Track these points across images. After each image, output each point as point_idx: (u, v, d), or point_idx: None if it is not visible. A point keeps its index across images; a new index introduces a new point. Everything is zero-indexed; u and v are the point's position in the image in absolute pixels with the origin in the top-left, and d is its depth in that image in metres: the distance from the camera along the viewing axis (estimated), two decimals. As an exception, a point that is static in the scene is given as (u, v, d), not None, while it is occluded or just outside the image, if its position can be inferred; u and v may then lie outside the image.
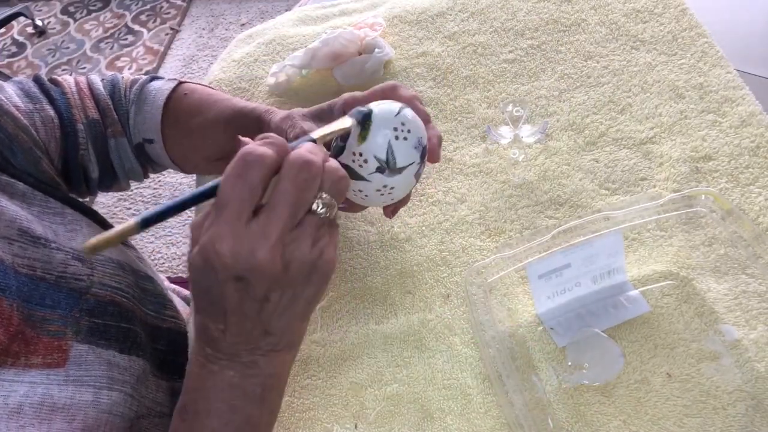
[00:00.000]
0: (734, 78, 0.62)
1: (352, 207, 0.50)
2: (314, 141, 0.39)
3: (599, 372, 0.47)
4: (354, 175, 0.44)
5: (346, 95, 0.50)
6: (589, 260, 0.49)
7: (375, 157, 0.43)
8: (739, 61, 0.68)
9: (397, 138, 0.43)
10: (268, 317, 0.36)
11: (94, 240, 0.33)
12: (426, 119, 0.48)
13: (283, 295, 0.36)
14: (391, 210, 0.51)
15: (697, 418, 0.44)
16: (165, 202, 0.34)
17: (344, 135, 0.44)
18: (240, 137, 0.38)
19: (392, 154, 0.43)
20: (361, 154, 0.43)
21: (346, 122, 0.42)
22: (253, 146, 0.34)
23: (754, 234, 0.49)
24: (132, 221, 0.33)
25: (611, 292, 0.51)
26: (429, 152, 0.47)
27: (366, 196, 0.46)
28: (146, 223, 0.34)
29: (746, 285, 0.49)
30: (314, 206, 0.35)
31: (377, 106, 0.44)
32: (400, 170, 0.44)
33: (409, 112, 0.45)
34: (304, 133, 0.47)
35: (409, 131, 0.44)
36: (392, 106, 0.45)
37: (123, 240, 0.33)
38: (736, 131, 0.59)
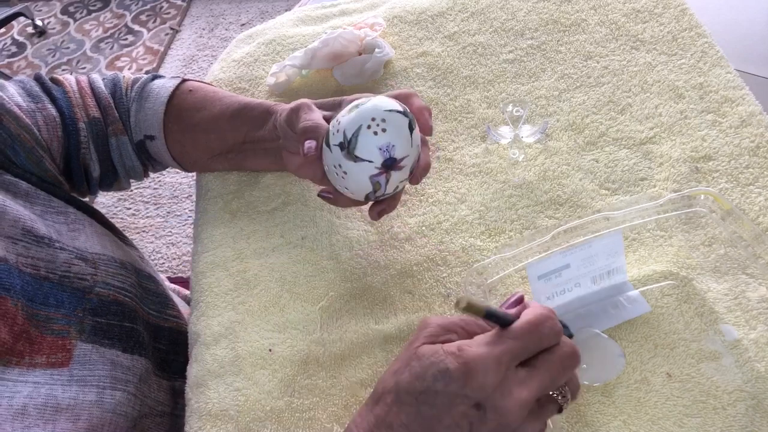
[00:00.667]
0: (734, 78, 0.62)
1: (337, 200, 0.52)
2: (512, 321, 0.38)
3: (599, 372, 0.47)
4: (326, 140, 0.46)
5: (358, 95, 0.50)
6: (589, 260, 0.49)
7: (344, 132, 0.44)
8: (739, 61, 0.68)
9: (369, 127, 0.44)
10: None
11: (468, 300, 0.34)
12: (424, 136, 0.49)
13: None
14: (376, 212, 0.51)
15: (697, 418, 0.44)
16: (501, 310, 0.37)
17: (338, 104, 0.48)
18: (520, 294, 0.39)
19: (355, 139, 0.44)
20: (339, 122, 0.45)
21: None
22: (554, 318, 0.36)
23: (754, 234, 0.49)
24: (483, 306, 0.35)
25: (611, 293, 0.51)
26: (414, 171, 0.48)
27: (326, 166, 0.48)
28: (489, 315, 0.35)
29: (746, 285, 0.49)
30: (557, 393, 0.36)
31: (384, 98, 0.45)
32: (355, 159, 0.45)
33: (402, 122, 0.45)
34: (316, 122, 0.48)
35: (384, 130, 0.44)
36: (393, 104, 0.45)
37: (471, 315, 0.35)
38: (736, 131, 0.59)
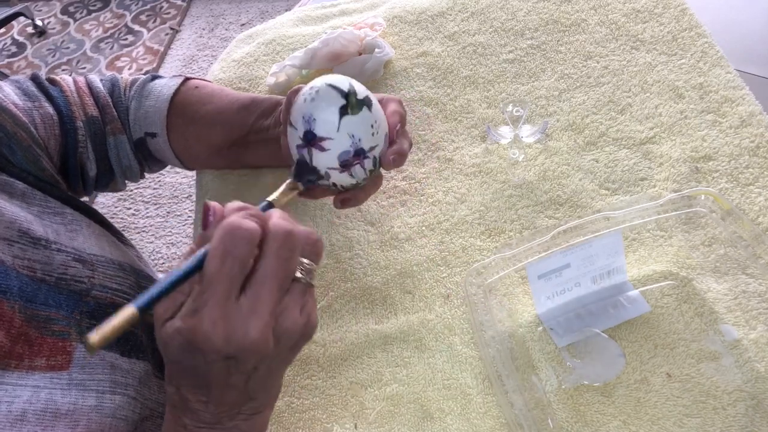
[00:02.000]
0: (734, 78, 0.62)
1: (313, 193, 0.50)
2: (272, 204, 0.41)
3: (599, 372, 0.47)
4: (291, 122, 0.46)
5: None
6: (589, 260, 0.49)
7: (305, 118, 0.44)
8: (739, 61, 0.68)
9: (303, 94, 0.44)
10: (254, 386, 0.36)
11: (96, 337, 0.31)
12: (397, 125, 0.47)
13: (271, 364, 0.35)
14: (339, 200, 0.49)
15: (697, 418, 0.44)
16: (154, 286, 0.33)
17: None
18: (207, 202, 0.37)
19: (292, 102, 0.45)
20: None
21: (288, 182, 0.44)
22: (238, 220, 0.33)
23: (754, 234, 0.49)
24: (129, 310, 0.32)
25: (611, 292, 0.51)
26: (384, 155, 0.46)
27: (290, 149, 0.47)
28: (143, 309, 0.32)
29: (746, 285, 0.49)
30: (297, 274, 0.35)
31: (341, 76, 0.44)
32: (289, 123, 0.45)
33: (332, 97, 0.43)
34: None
35: (312, 100, 0.43)
36: (340, 82, 0.44)
37: (122, 329, 0.32)
38: (736, 131, 0.59)
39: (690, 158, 0.58)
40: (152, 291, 0.33)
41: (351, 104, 0.43)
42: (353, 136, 0.44)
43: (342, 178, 0.46)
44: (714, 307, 0.49)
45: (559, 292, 0.50)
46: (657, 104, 0.62)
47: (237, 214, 0.34)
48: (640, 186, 0.57)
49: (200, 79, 0.64)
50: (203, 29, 2.36)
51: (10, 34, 2.54)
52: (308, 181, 0.45)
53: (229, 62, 0.76)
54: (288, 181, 0.44)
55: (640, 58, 0.66)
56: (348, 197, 0.49)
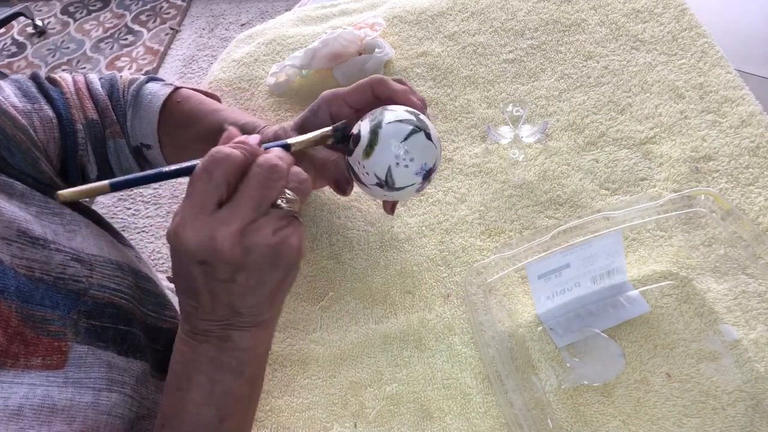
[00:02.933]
0: (734, 78, 0.62)
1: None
2: (289, 146, 0.42)
3: (599, 372, 0.47)
4: (358, 179, 0.46)
5: (326, 93, 0.51)
6: (589, 260, 0.49)
7: (375, 174, 0.44)
8: (739, 61, 0.68)
9: (398, 165, 0.44)
10: (237, 297, 0.38)
11: (68, 191, 0.37)
12: (421, 108, 0.48)
13: (249, 277, 0.38)
14: (390, 206, 0.52)
15: (697, 419, 0.44)
16: (136, 173, 0.38)
17: (356, 138, 0.45)
18: (227, 126, 0.41)
19: (391, 177, 0.44)
20: (364, 167, 0.44)
21: (324, 130, 0.45)
22: (226, 147, 0.37)
23: (754, 234, 0.49)
24: (104, 182, 0.37)
25: (611, 293, 0.51)
26: None
27: (370, 196, 0.49)
28: (115, 186, 0.37)
29: (746, 285, 0.49)
30: (278, 201, 0.38)
31: (388, 123, 0.44)
32: (399, 189, 0.45)
33: (420, 138, 0.44)
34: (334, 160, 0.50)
35: (412, 159, 0.44)
36: (402, 127, 0.44)
37: (92, 195, 0.38)
38: (736, 131, 0.59)
39: (690, 158, 0.58)
40: (131, 175, 0.38)
41: (423, 128, 0.45)
42: (437, 138, 0.46)
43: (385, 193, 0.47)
44: (714, 307, 0.49)
45: (559, 292, 0.50)
46: (657, 104, 0.62)
47: (228, 144, 0.38)
48: (640, 186, 0.57)
49: (188, 88, 0.63)
50: (203, 29, 2.36)
51: (10, 34, 2.54)
52: (340, 140, 0.46)
53: (229, 62, 0.76)
54: (324, 129, 0.45)
55: (640, 58, 0.66)
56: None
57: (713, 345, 0.47)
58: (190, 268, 0.37)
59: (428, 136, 0.45)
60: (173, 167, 0.38)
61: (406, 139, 0.44)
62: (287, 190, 0.38)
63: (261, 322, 0.41)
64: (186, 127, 0.60)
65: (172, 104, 0.61)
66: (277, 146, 0.41)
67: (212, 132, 0.58)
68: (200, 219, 0.36)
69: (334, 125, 0.45)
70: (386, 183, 0.44)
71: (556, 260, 0.49)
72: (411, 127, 0.44)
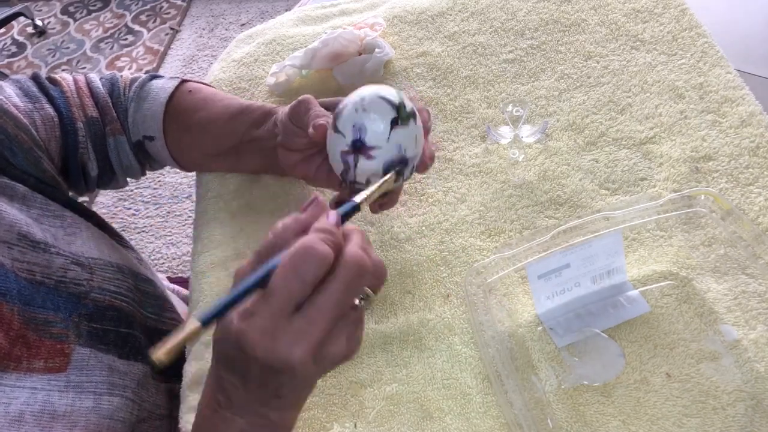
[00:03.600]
0: (734, 78, 0.62)
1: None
2: (359, 206, 0.39)
3: (599, 372, 0.47)
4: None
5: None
6: (589, 260, 0.49)
7: (339, 107, 0.46)
8: (739, 61, 0.68)
9: (354, 105, 0.45)
10: (287, 391, 0.36)
11: (161, 352, 0.31)
12: (425, 129, 0.49)
13: (306, 378, 0.35)
14: (377, 204, 0.50)
15: (697, 419, 0.44)
16: (219, 299, 0.33)
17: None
18: (315, 194, 0.38)
19: (340, 112, 0.46)
20: (342, 101, 0.47)
21: (389, 177, 0.44)
22: (315, 241, 0.33)
23: (754, 234, 0.49)
24: (193, 323, 0.32)
25: (611, 293, 0.51)
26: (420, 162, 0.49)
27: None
28: (207, 322, 0.33)
29: (746, 285, 0.49)
30: (355, 300, 0.35)
31: (390, 89, 0.46)
32: (335, 129, 0.46)
33: (384, 109, 0.45)
34: (319, 117, 0.49)
35: (364, 110, 0.45)
36: (390, 94, 0.45)
37: (188, 342, 0.32)
38: (736, 131, 0.59)
39: (690, 158, 0.58)
40: (217, 304, 0.33)
41: (401, 116, 0.45)
42: (400, 146, 0.45)
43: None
44: (714, 307, 0.49)
45: (558, 292, 0.50)
46: (657, 104, 0.62)
47: (316, 235, 0.34)
48: (640, 186, 0.57)
49: (196, 81, 0.63)
50: (203, 29, 2.36)
51: (10, 34, 2.54)
52: (408, 175, 0.47)
53: (229, 62, 0.76)
54: (388, 176, 0.44)
55: (640, 58, 0.66)
56: (385, 202, 0.50)
57: (713, 345, 0.47)
58: (250, 366, 0.34)
59: (392, 123, 0.45)
60: (251, 280, 0.33)
61: (380, 98, 0.45)
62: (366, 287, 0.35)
63: (299, 404, 0.39)
64: (198, 110, 0.60)
65: (182, 94, 0.61)
66: (348, 210, 0.37)
67: (228, 111, 0.59)
68: (277, 326, 0.32)
69: (395, 169, 0.45)
70: (335, 117, 0.46)
71: (556, 260, 0.49)
72: (391, 100, 0.46)
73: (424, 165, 0.49)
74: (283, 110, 0.54)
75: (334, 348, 0.34)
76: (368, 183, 0.46)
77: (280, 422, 0.38)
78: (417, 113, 0.47)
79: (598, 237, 0.49)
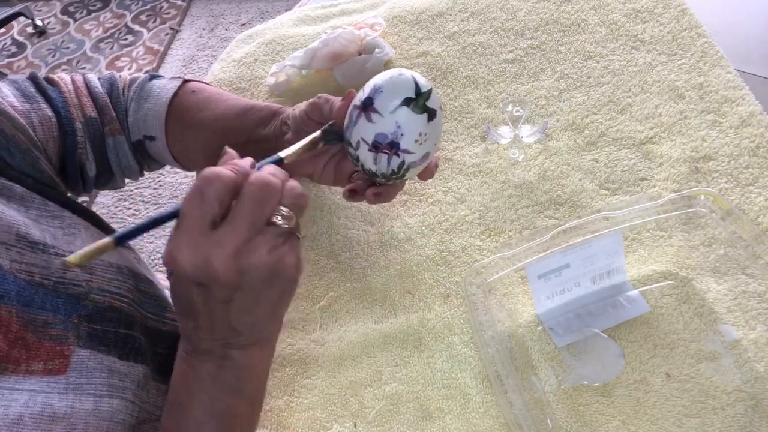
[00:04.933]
0: (734, 78, 0.62)
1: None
2: (282, 160, 0.42)
3: (599, 372, 0.47)
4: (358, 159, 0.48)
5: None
6: (589, 260, 0.49)
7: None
8: (739, 61, 0.68)
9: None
10: (235, 317, 0.38)
11: (72, 256, 0.37)
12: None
13: (246, 297, 0.38)
14: (372, 193, 0.50)
15: (697, 419, 0.44)
16: (136, 222, 0.38)
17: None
18: (226, 147, 0.41)
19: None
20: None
21: (314, 135, 0.46)
22: (216, 168, 0.37)
23: (753, 234, 0.49)
24: (108, 239, 0.37)
25: (611, 293, 0.51)
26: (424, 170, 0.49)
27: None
28: (120, 240, 0.38)
29: (746, 285, 0.49)
30: (274, 219, 0.38)
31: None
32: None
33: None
34: (332, 106, 0.50)
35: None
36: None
37: (99, 254, 0.37)
38: (736, 131, 0.59)
39: (690, 158, 0.58)
40: (130, 227, 0.38)
41: (417, 103, 0.45)
42: (399, 127, 0.45)
43: (365, 157, 0.47)
44: (714, 307, 0.49)
45: (558, 292, 0.50)
46: (657, 104, 0.62)
47: (221, 164, 0.38)
48: (640, 186, 0.57)
49: (199, 81, 0.63)
50: (203, 29, 2.36)
51: (10, 34, 2.54)
52: (331, 140, 0.47)
53: (229, 62, 0.76)
54: (313, 135, 0.46)
55: (640, 58, 0.66)
56: (380, 191, 0.50)
57: (713, 345, 0.47)
58: (187, 289, 0.37)
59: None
60: (166, 210, 0.39)
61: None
62: (282, 207, 0.38)
63: (260, 339, 0.41)
64: (203, 109, 0.60)
65: (185, 93, 0.61)
66: (270, 162, 0.41)
67: (235, 109, 0.59)
68: (195, 241, 0.36)
69: (323, 128, 0.46)
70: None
71: (556, 260, 0.49)
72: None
73: (428, 172, 0.49)
74: (293, 109, 0.54)
75: (254, 257, 0.36)
76: (356, 146, 0.46)
77: (245, 362, 0.41)
78: (436, 118, 0.46)
79: (598, 237, 0.49)
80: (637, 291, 0.51)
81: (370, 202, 0.51)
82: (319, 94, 0.52)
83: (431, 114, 0.45)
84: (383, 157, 0.46)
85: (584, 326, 0.50)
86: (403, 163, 0.46)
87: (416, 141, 0.46)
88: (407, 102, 0.44)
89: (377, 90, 0.45)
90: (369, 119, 0.45)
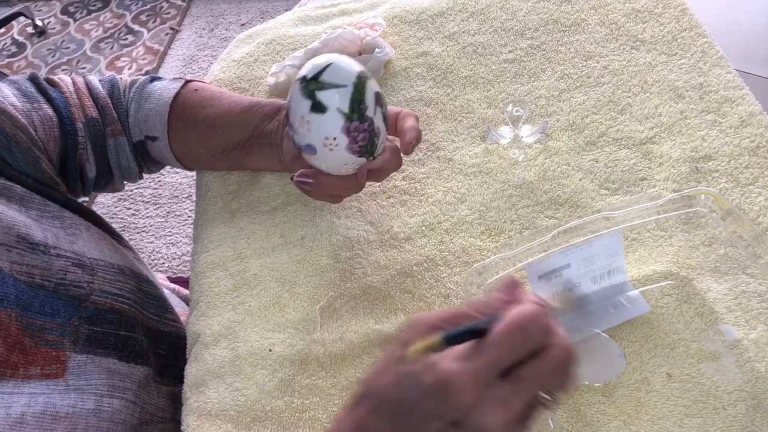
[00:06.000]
0: (734, 78, 0.62)
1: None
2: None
3: (599, 372, 0.47)
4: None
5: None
6: (589, 260, 0.49)
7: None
8: (739, 61, 0.68)
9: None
10: None
11: (413, 350, 0.31)
12: (413, 141, 0.50)
13: None
14: (365, 169, 0.50)
15: (698, 418, 0.44)
16: (466, 325, 0.32)
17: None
18: (513, 278, 0.36)
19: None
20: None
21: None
22: (543, 311, 0.32)
23: (754, 234, 0.49)
24: (436, 337, 0.32)
25: (611, 293, 0.51)
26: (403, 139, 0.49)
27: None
28: (449, 341, 0.32)
29: (746, 285, 0.49)
30: (546, 395, 0.33)
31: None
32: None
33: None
34: None
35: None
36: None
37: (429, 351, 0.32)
38: (736, 131, 0.59)
39: (690, 158, 0.58)
40: (462, 329, 0.32)
41: (306, 85, 0.44)
42: (291, 99, 0.45)
43: None
44: (714, 307, 0.49)
45: (559, 292, 0.50)
46: (657, 104, 0.62)
47: (538, 307, 0.32)
48: (640, 186, 0.57)
49: (200, 81, 0.64)
50: (203, 29, 2.36)
51: (10, 34, 2.54)
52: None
53: (229, 62, 0.76)
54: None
55: (640, 58, 0.66)
56: (375, 169, 0.50)
57: (713, 345, 0.47)
58: (433, 422, 0.31)
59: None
60: (481, 320, 0.32)
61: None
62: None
63: None
64: (207, 107, 0.60)
65: (188, 92, 0.61)
66: (473, 336, 0.33)
67: (239, 106, 0.59)
68: (486, 381, 0.30)
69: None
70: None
71: (556, 260, 0.49)
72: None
73: (354, 179, 0.49)
74: None
75: (526, 419, 0.31)
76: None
77: None
78: (329, 117, 0.44)
79: (599, 237, 0.49)
80: (638, 291, 0.51)
81: (361, 178, 0.50)
82: None
83: (316, 105, 0.44)
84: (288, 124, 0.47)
85: (585, 326, 0.50)
86: (292, 139, 0.46)
87: (299, 123, 0.45)
88: (302, 79, 0.44)
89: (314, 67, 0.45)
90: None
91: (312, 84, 0.43)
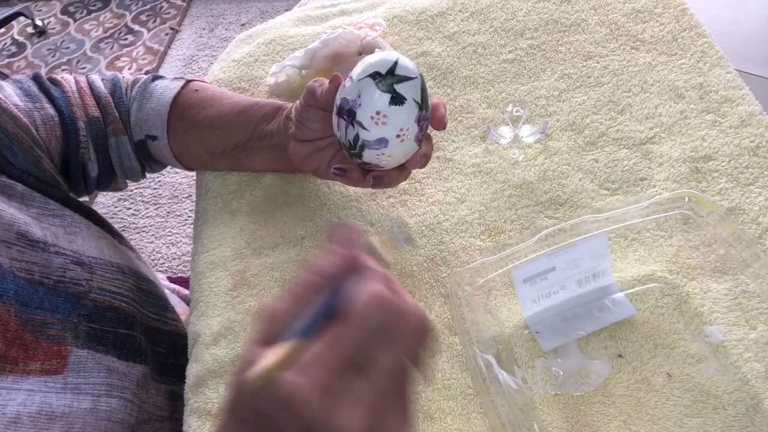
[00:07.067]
0: (734, 78, 0.62)
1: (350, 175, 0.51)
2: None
3: (580, 382, 0.47)
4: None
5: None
6: (574, 263, 0.49)
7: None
8: (739, 61, 0.68)
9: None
10: None
11: (256, 373, 0.27)
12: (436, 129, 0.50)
13: None
14: (372, 175, 0.50)
15: (698, 418, 0.44)
16: (314, 310, 0.29)
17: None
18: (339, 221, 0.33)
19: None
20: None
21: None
22: (383, 289, 0.29)
23: (753, 234, 0.49)
24: (288, 349, 0.28)
25: (596, 295, 0.51)
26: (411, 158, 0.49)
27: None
28: (306, 337, 0.28)
29: (746, 285, 0.49)
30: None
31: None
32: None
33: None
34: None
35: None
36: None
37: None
38: (736, 131, 0.59)
39: (690, 158, 0.58)
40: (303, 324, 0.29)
41: (383, 80, 0.45)
42: (360, 96, 0.45)
43: (334, 121, 0.48)
44: (714, 307, 0.49)
45: (544, 295, 0.50)
46: (657, 104, 0.62)
47: (382, 288, 0.29)
48: (640, 186, 0.57)
49: (201, 81, 0.64)
50: (203, 29, 2.36)
51: (10, 34, 2.54)
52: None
53: (229, 62, 0.76)
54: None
55: (640, 58, 0.66)
56: (381, 176, 0.50)
57: (714, 345, 0.47)
58: (288, 429, 0.27)
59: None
60: (320, 307, 0.29)
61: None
62: None
63: None
64: (207, 107, 0.60)
65: (189, 92, 0.61)
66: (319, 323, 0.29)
67: (239, 106, 0.59)
68: (338, 385, 0.27)
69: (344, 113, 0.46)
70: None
71: (542, 263, 0.48)
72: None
73: (415, 160, 0.49)
74: (295, 103, 0.54)
75: (393, 421, 0.28)
76: (333, 110, 0.48)
77: None
78: (408, 108, 0.45)
79: (584, 240, 0.49)
80: (623, 294, 0.50)
81: (369, 185, 0.50)
82: (314, 78, 0.52)
83: (396, 98, 0.45)
84: (342, 123, 0.47)
85: (570, 329, 0.49)
86: (357, 137, 0.46)
87: (372, 118, 0.45)
88: (374, 75, 0.45)
89: (362, 60, 0.46)
90: (344, 84, 0.46)
91: (389, 78, 0.45)
